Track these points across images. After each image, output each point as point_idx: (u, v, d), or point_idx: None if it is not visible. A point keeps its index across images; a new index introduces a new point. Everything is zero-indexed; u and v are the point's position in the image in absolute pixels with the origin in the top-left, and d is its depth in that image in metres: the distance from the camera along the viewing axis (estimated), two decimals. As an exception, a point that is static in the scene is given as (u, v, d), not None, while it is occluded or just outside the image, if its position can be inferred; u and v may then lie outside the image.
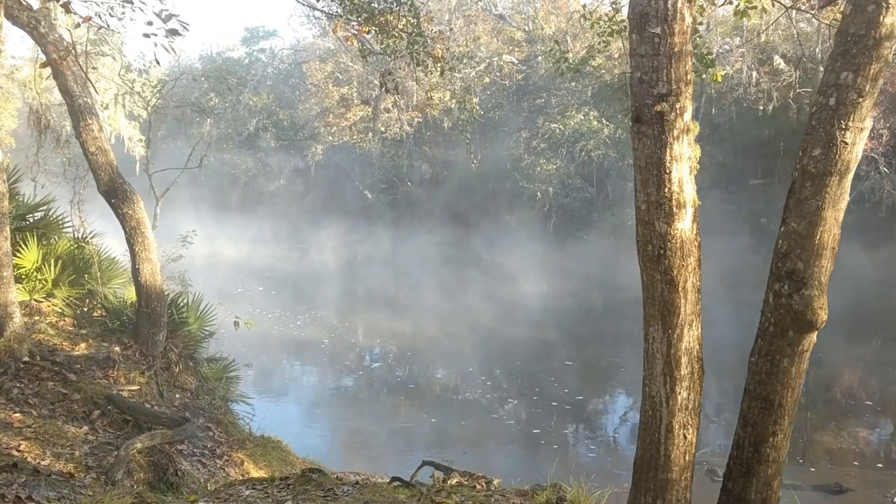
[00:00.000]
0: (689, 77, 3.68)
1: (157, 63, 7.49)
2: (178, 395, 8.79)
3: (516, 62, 43.19)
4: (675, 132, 3.68)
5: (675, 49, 3.59)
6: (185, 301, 10.18)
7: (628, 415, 15.04)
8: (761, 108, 41.49)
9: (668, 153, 3.69)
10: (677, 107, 3.65)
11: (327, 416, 15.12)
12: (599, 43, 7.11)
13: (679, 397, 4.05)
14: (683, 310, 3.93)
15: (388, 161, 46.56)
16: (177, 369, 9.55)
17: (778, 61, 37.85)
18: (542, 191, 37.87)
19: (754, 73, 37.81)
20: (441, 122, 46.18)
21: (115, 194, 9.16)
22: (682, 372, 4.03)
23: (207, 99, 30.14)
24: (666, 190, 3.74)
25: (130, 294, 11.01)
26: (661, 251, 3.83)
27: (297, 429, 13.26)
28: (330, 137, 45.28)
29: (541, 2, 47.49)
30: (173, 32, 6.36)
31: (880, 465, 12.37)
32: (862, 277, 30.01)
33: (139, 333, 9.21)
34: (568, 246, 37.45)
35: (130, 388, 8.02)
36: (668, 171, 3.72)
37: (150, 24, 6.36)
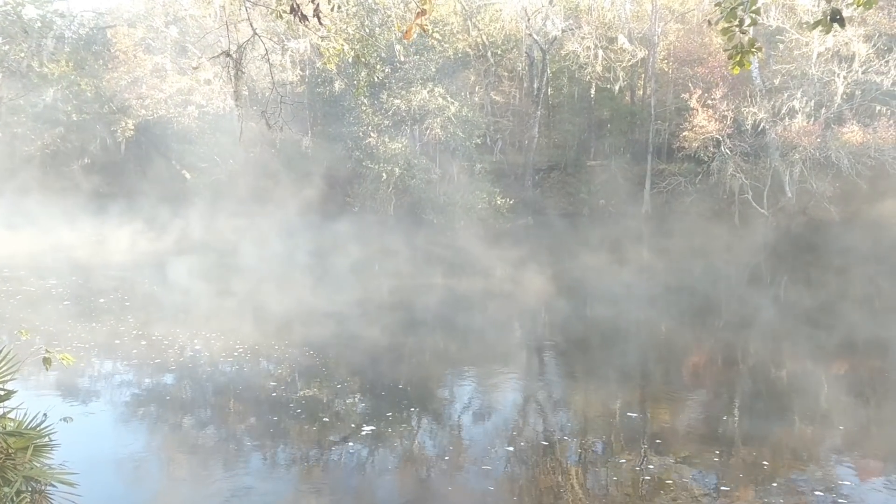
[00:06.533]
0: None
1: None
2: (-39, 514, 5.37)
3: (351, 32, 39.94)
4: None
5: None
6: (-32, 347, 6.61)
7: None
8: (594, 89, 40.85)
9: None
10: None
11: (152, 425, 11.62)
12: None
13: None
14: None
15: (210, 137, 42.05)
16: (-42, 457, 6.08)
17: (623, 41, 37.19)
18: (388, 171, 35.14)
19: (600, 52, 36.94)
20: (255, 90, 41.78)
21: None
22: None
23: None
24: None
25: None
26: None
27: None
28: (143, 111, 40.17)
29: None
30: None
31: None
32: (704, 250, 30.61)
33: None
34: (411, 230, 34.90)
35: None
36: None
37: None
